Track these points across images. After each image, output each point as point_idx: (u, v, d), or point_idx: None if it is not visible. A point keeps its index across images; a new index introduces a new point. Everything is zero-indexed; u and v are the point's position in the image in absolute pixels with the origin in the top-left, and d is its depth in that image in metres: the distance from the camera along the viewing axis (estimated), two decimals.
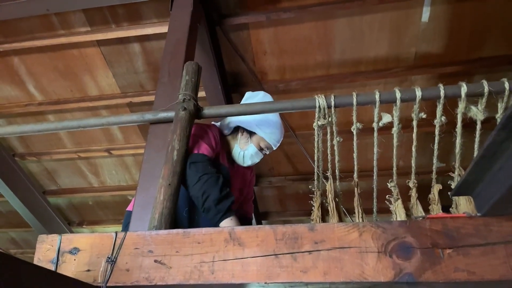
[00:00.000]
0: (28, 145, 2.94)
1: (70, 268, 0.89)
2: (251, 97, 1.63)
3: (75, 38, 2.22)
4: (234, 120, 1.56)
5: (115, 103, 2.56)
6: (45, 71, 2.47)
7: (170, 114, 1.35)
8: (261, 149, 1.58)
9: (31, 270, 0.68)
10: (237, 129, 1.59)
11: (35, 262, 0.92)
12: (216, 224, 1.26)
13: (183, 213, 1.26)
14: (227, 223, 1.24)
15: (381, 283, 0.72)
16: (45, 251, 0.92)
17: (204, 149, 1.37)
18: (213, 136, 1.48)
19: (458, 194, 0.81)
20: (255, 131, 1.54)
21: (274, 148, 1.61)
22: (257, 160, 1.61)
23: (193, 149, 1.34)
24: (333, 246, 0.77)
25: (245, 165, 1.61)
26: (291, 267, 0.77)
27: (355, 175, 1.33)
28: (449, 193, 1.03)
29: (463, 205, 1.15)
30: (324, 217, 1.35)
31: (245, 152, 1.56)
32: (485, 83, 1.15)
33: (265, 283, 0.77)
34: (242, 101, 1.65)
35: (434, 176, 1.27)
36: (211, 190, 1.25)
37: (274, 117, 1.57)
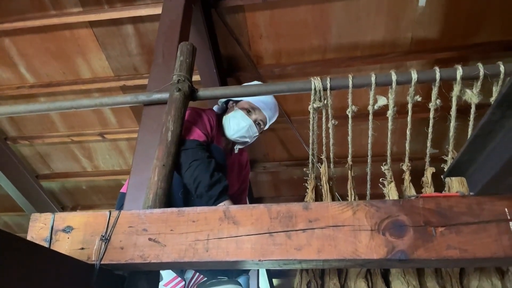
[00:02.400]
0: (20, 128, 2.90)
1: (63, 246, 0.89)
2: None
3: (67, 19, 2.17)
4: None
5: (108, 86, 2.52)
6: (36, 53, 2.42)
7: (164, 95, 1.34)
8: (247, 112, 1.56)
9: (25, 246, 0.68)
10: (227, 104, 1.62)
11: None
12: None
13: (178, 194, 1.27)
14: None
15: (374, 260, 0.72)
16: (38, 229, 0.91)
17: (196, 134, 1.37)
18: (208, 119, 1.47)
19: (452, 175, 0.82)
20: (241, 98, 1.56)
21: (264, 113, 1.57)
22: (244, 124, 1.54)
23: (185, 136, 1.34)
24: (327, 224, 0.78)
25: (233, 137, 1.57)
26: (285, 245, 0.78)
27: (349, 158, 1.34)
28: (442, 176, 1.05)
29: (456, 188, 1.16)
30: (318, 199, 1.36)
31: (230, 117, 1.54)
32: (480, 66, 1.15)
33: (259, 260, 0.77)
34: None
35: (427, 159, 1.27)
36: (202, 176, 1.24)
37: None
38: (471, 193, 0.77)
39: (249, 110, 1.57)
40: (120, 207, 1.37)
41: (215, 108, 1.64)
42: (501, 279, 1.08)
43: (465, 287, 1.08)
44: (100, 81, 2.51)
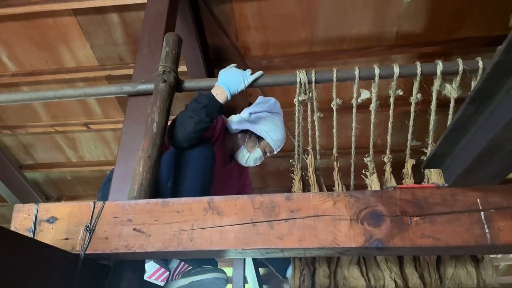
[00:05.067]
0: (1, 117, 2.85)
1: (47, 237, 0.89)
2: (263, 102, 1.68)
3: (50, 6, 2.12)
4: (245, 123, 1.62)
5: (93, 76, 2.49)
6: (18, 41, 2.36)
7: (150, 86, 1.34)
8: (265, 153, 1.66)
9: (8, 236, 0.68)
10: (245, 131, 1.64)
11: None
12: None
13: (166, 185, 1.27)
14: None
15: (352, 248, 0.75)
16: (22, 220, 0.91)
17: None
18: (216, 121, 1.53)
19: (429, 167, 0.85)
20: (263, 136, 1.61)
21: (275, 153, 1.69)
22: (259, 162, 1.69)
23: None
24: (308, 214, 0.80)
25: (246, 165, 1.69)
26: (268, 234, 0.80)
27: (334, 149, 1.37)
28: (421, 167, 1.08)
29: (434, 179, 1.21)
30: (305, 190, 1.38)
31: (250, 156, 1.64)
32: (460, 61, 1.18)
33: (242, 249, 0.79)
34: (254, 104, 1.69)
35: (408, 151, 1.31)
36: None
37: (281, 123, 1.65)
38: (445, 184, 0.80)
39: (266, 152, 1.66)
40: (102, 196, 1.38)
41: (227, 120, 1.67)
42: (476, 267, 1.14)
43: (441, 274, 1.13)
44: (85, 71, 2.47)
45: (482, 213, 0.75)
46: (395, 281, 1.03)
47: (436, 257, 1.11)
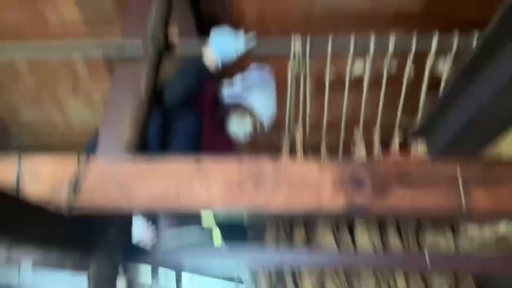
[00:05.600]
0: None
1: (30, 192, 0.88)
2: (255, 71, 1.67)
3: None
4: (236, 94, 1.62)
5: (79, 37, 2.40)
6: None
7: (139, 50, 1.30)
8: (255, 126, 1.64)
9: None
10: (235, 103, 1.63)
11: None
12: None
13: (155, 145, 1.27)
14: None
15: (335, 211, 0.78)
16: (3, 173, 0.89)
17: None
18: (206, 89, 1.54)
19: (417, 136, 0.87)
20: (254, 109, 1.60)
21: (265, 126, 1.68)
22: (248, 136, 1.68)
23: None
24: (294, 178, 0.82)
25: (235, 138, 1.68)
26: (253, 196, 0.81)
27: (325, 117, 1.37)
28: (409, 134, 1.11)
29: (420, 151, 1.24)
30: None
31: (240, 128, 1.62)
32: (455, 34, 1.20)
33: (228, 208, 0.81)
34: (246, 73, 1.69)
35: (397, 123, 1.33)
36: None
37: (273, 96, 1.65)
38: (429, 155, 0.83)
39: (256, 125, 1.64)
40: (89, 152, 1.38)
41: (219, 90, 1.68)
42: (454, 236, 1.19)
43: (421, 242, 1.19)
44: (72, 32, 2.38)
45: (460, 182, 0.78)
46: (373, 244, 1.08)
47: (414, 227, 1.16)
